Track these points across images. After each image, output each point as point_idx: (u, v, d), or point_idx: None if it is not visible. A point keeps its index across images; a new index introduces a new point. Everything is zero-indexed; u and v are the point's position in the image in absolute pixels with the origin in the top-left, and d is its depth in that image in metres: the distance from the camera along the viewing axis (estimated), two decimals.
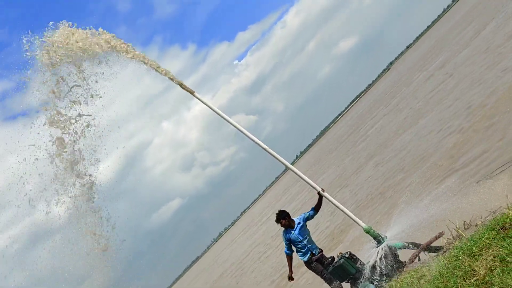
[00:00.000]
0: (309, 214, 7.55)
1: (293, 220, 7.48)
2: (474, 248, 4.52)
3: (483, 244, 4.45)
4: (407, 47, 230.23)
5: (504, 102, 11.47)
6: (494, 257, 4.08)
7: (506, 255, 3.94)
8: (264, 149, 7.53)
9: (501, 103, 11.55)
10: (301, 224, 7.48)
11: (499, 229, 4.54)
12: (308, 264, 7.42)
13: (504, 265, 3.86)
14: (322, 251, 7.62)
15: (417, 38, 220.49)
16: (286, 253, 7.54)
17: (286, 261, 7.65)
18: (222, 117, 7.57)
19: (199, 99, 7.42)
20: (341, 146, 47.96)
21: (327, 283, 7.33)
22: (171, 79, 7.04)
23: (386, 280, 6.33)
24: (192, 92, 7.31)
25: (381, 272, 6.54)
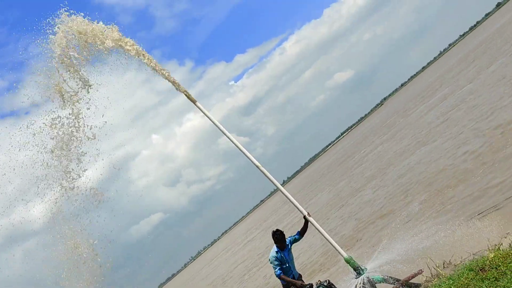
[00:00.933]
0: (294, 238, 7.52)
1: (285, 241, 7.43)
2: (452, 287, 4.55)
3: (461, 284, 4.48)
4: (402, 85, 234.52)
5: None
6: None
7: None
8: (257, 166, 7.57)
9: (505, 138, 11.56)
10: (289, 246, 7.46)
11: (478, 271, 4.57)
12: (287, 287, 7.36)
13: None
14: (301, 276, 7.57)
15: (412, 77, 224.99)
16: (278, 274, 7.29)
17: (283, 280, 7.38)
18: (220, 129, 7.63)
19: (200, 109, 7.51)
20: (330, 174, 48.12)
21: None
22: (177, 87, 7.13)
23: None
24: (194, 101, 7.42)
25: None
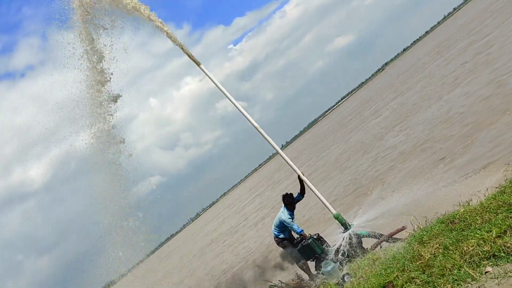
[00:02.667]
0: (297, 199, 8.06)
1: None
2: (424, 237, 5.11)
3: (433, 234, 5.04)
4: (404, 50, 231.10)
5: None
6: (439, 245, 4.66)
7: (449, 244, 4.52)
8: (256, 127, 8.05)
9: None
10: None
11: (448, 223, 5.12)
12: (281, 240, 8.00)
13: (446, 252, 4.44)
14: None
15: (415, 42, 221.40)
16: (300, 231, 7.83)
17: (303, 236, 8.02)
18: (222, 91, 8.08)
19: (204, 71, 7.95)
20: (330, 137, 48.67)
21: (294, 260, 7.93)
22: (181, 47, 7.54)
23: (347, 261, 6.93)
24: (198, 64, 7.83)
25: (344, 254, 7.14)
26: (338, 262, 6.98)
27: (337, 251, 7.42)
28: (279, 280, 8.78)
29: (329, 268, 6.24)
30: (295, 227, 7.83)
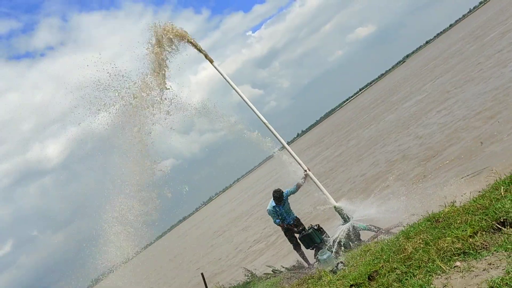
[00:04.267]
0: (291, 191, 8.67)
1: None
2: (411, 233, 5.64)
3: (418, 230, 5.56)
4: (427, 42, 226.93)
5: None
6: (421, 241, 5.18)
7: (430, 240, 5.03)
8: (264, 123, 8.63)
9: None
10: (285, 200, 8.68)
11: (433, 221, 5.62)
12: (283, 228, 8.67)
13: (426, 247, 4.96)
14: (298, 219, 8.81)
15: (438, 35, 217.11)
16: (277, 222, 8.65)
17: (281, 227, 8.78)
18: (233, 87, 8.66)
19: (216, 68, 8.62)
20: (343, 130, 48.90)
21: (294, 248, 8.58)
22: (200, 50, 8.31)
23: (344, 251, 7.50)
24: (211, 61, 8.51)
25: (341, 245, 7.72)
26: (334, 252, 7.55)
27: (335, 241, 7.99)
28: (281, 266, 9.42)
29: (325, 256, 6.80)
30: (273, 219, 8.59)
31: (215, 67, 8.65)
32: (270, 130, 8.67)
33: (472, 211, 5.17)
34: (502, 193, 5.12)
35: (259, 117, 8.70)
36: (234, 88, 8.62)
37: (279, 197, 8.52)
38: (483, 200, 5.23)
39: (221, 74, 8.56)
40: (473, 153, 11.09)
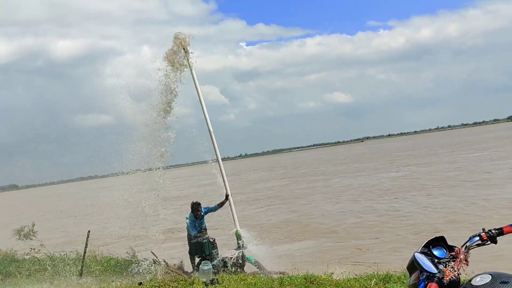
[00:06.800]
0: (211, 208, 9.00)
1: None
2: (285, 282, 6.16)
3: (292, 283, 6.08)
4: (388, 135, 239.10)
5: None
6: None
7: None
8: (209, 131, 8.99)
9: None
10: (203, 216, 8.95)
11: (309, 281, 6.17)
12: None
13: None
14: (206, 229, 9.12)
15: (400, 134, 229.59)
16: (193, 233, 8.80)
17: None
18: (196, 85, 8.99)
19: (193, 76, 8.96)
20: (282, 171, 50.03)
21: (189, 253, 8.89)
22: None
23: (225, 271, 7.91)
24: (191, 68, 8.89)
25: (225, 265, 8.14)
26: (216, 268, 7.92)
27: (222, 261, 8.39)
28: (163, 259, 9.62)
29: (205, 267, 7.14)
30: (189, 229, 8.83)
31: (192, 74, 9.02)
32: (212, 140, 9.03)
33: (342, 287, 5.76)
34: (372, 285, 5.75)
35: (207, 124, 9.04)
36: (196, 88, 8.98)
37: (195, 209, 8.78)
38: (355, 282, 5.84)
39: (194, 81, 8.93)
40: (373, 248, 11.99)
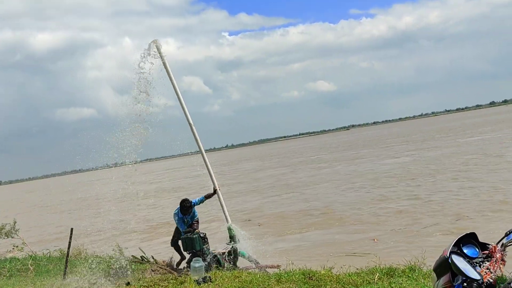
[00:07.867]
0: (200, 199, 8.57)
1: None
2: (283, 278, 5.83)
3: (290, 279, 5.75)
4: (374, 123, 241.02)
5: None
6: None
7: None
8: (189, 123, 8.55)
9: None
10: (194, 209, 8.53)
11: (307, 277, 5.83)
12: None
13: None
14: (198, 221, 8.72)
15: (385, 122, 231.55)
16: (183, 229, 8.33)
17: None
18: (171, 78, 8.52)
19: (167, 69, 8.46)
20: (267, 160, 49.82)
21: (179, 248, 8.49)
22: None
23: (217, 268, 7.54)
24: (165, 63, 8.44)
25: (218, 262, 7.77)
26: (208, 265, 7.54)
27: (214, 256, 8.01)
28: (151, 256, 9.22)
29: (197, 265, 6.74)
30: (179, 226, 8.42)
31: (167, 71, 8.52)
32: (193, 133, 8.59)
33: (343, 282, 5.44)
34: (375, 279, 5.44)
35: (186, 116, 8.59)
36: (171, 79, 8.51)
37: (184, 206, 8.36)
38: (357, 277, 5.52)
39: (168, 74, 8.45)
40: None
